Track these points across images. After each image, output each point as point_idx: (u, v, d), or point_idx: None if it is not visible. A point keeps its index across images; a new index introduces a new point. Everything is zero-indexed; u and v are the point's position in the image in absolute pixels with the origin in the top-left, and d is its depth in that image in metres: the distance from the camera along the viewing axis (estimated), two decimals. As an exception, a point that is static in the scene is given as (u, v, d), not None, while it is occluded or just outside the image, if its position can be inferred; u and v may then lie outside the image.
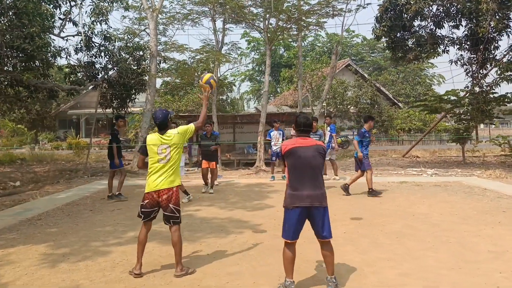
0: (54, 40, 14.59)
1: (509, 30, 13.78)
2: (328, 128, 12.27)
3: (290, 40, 30.99)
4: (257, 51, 48.36)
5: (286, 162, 4.02)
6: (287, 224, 3.95)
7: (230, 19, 16.51)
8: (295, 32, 17.25)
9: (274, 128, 12.08)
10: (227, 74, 31.34)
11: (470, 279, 4.19)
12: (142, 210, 4.60)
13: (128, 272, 4.53)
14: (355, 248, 5.27)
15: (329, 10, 15.34)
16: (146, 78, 15.91)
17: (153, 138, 4.57)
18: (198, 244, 5.61)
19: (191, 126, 4.68)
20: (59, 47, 13.92)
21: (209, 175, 9.96)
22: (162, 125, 4.57)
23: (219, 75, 19.17)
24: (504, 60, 14.37)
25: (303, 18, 15.32)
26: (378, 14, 15.04)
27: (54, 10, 13.54)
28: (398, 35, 15.44)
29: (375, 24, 15.34)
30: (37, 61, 12.93)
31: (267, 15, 15.02)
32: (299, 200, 3.87)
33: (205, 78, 4.96)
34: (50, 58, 13.59)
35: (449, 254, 4.96)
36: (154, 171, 4.52)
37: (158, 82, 21.95)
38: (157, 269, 4.65)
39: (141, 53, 15.83)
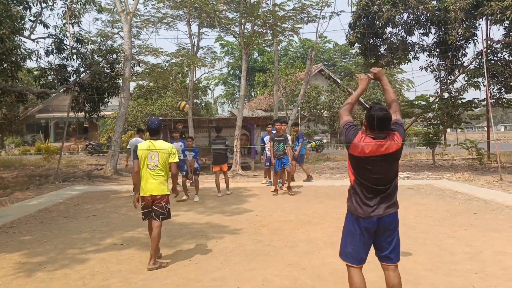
0: (25, 42, 14.14)
1: (476, 38, 14.36)
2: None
3: (264, 45, 31.23)
4: (231, 55, 48.39)
5: (352, 165, 3.24)
6: (353, 244, 3.27)
7: (206, 23, 16.48)
8: (271, 37, 17.37)
9: (267, 132, 11.77)
10: (202, 78, 31.05)
11: (448, 279, 4.32)
12: (142, 211, 4.98)
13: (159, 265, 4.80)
14: (337, 251, 5.26)
15: (303, 16, 15.53)
16: (119, 81, 15.66)
17: (144, 145, 4.98)
18: (179, 249, 5.56)
19: (175, 161, 5.01)
20: (29, 49, 13.56)
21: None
22: (157, 130, 4.96)
23: (194, 79, 19.08)
24: (471, 67, 14.94)
25: (278, 23, 15.45)
26: (352, 21, 15.38)
27: (24, 11, 13.21)
28: (370, 42, 15.81)
29: (348, 31, 15.67)
30: (6, 64, 12.54)
31: (243, 20, 15.08)
32: (364, 212, 3.18)
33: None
34: (20, 61, 13.22)
35: (427, 256, 5.10)
36: (145, 177, 4.87)
37: (132, 85, 21.61)
38: (138, 276, 4.58)
39: (114, 56, 15.60)
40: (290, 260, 5.01)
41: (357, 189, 3.22)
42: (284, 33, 16.66)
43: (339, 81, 34.92)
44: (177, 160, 5.06)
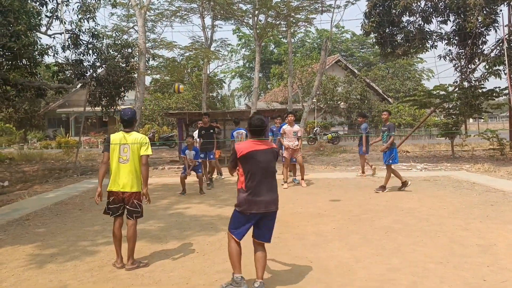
0: (41, 38, 14.36)
1: (497, 25, 13.91)
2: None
3: (280, 36, 31.04)
4: (248, 47, 48.27)
5: (242, 166, 3.90)
6: (241, 226, 3.93)
7: (219, 16, 16.45)
8: (285, 29, 17.23)
9: (275, 124, 11.33)
10: (217, 71, 31.26)
11: (458, 272, 4.22)
12: (110, 206, 4.76)
13: (112, 264, 4.69)
14: (344, 244, 5.29)
15: (318, 6, 15.34)
16: (135, 75, 15.79)
17: (116, 137, 4.73)
18: (187, 242, 5.59)
19: (147, 153, 4.69)
20: (46, 45, 13.75)
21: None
22: (130, 122, 4.75)
23: (208, 72, 19.12)
24: (492, 54, 14.51)
25: (292, 14, 15.30)
26: (367, 10, 15.07)
27: (41, 7, 13.38)
28: (386, 31, 15.49)
29: (364, 20, 15.37)
30: (24, 60, 12.76)
31: (256, 12, 14.98)
32: (257, 205, 3.83)
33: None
34: (37, 57, 13.42)
35: (438, 248, 4.99)
36: (116, 170, 4.66)
37: (148, 79, 21.81)
38: (145, 268, 4.62)
39: (129, 50, 15.70)
40: (297, 253, 4.98)
41: (248, 183, 3.93)
42: (298, 24, 16.49)
43: (356, 71, 34.46)
44: (150, 153, 4.72)
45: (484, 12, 13.21)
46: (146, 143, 4.73)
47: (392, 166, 8.97)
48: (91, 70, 15.04)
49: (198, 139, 10.63)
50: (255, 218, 3.89)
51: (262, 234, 3.96)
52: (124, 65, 15.55)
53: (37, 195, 9.73)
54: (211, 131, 10.55)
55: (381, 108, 31.84)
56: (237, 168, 3.99)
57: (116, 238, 4.70)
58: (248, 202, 3.83)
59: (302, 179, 10.11)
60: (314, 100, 19.27)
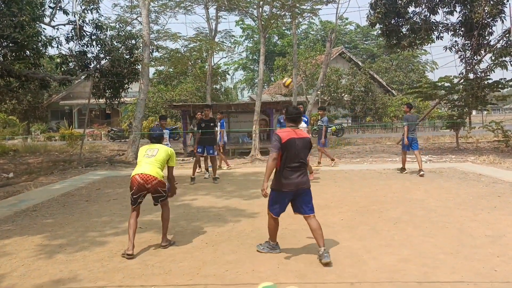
0: (45, 29, 14.29)
1: (504, 15, 13.82)
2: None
3: (284, 28, 30.84)
4: (251, 39, 48.04)
5: (282, 150, 4.38)
6: (277, 204, 4.57)
7: (224, 7, 16.31)
8: (289, 20, 17.09)
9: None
10: (221, 63, 31.09)
11: (468, 263, 4.21)
12: (133, 197, 4.92)
13: (121, 254, 4.68)
14: (353, 235, 5.28)
15: (323, -3, 15.17)
16: (139, 67, 15.73)
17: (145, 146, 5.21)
18: (196, 233, 5.59)
19: (170, 169, 5.16)
20: (50, 36, 13.70)
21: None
22: (157, 140, 5.23)
23: (213, 64, 19.03)
24: (498, 45, 14.40)
25: (297, 5, 15.15)
26: (373, 1, 14.96)
27: (44, -2, 13.31)
28: (392, 22, 15.39)
29: (369, 11, 15.26)
30: (28, 51, 12.71)
31: (261, 2, 14.84)
32: (288, 185, 4.43)
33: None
34: (41, 48, 13.38)
35: (447, 239, 4.98)
36: (140, 163, 5.02)
37: (151, 71, 21.73)
38: (155, 258, 4.63)
39: (133, 42, 15.62)
40: (306, 244, 4.98)
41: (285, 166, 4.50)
42: (303, 15, 16.35)
43: (360, 63, 34.30)
44: (175, 165, 5.18)
45: (491, 2, 13.08)
46: (173, 156, 5.12)
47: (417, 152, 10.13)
48: (95, 62, 15.00)
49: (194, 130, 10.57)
50: (289, 196, 4.49)
51: (298, 208, 4.59)
52: (128, 56, 15.49)
53: (43, 187, 9.75)
54: (211, 124, 10.01)
55: (385, 100, 31.75)
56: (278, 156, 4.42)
57: (132, 228, 4.77)
58: (282, 183, 4.42)
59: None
60: (318, 92, 19.16)
